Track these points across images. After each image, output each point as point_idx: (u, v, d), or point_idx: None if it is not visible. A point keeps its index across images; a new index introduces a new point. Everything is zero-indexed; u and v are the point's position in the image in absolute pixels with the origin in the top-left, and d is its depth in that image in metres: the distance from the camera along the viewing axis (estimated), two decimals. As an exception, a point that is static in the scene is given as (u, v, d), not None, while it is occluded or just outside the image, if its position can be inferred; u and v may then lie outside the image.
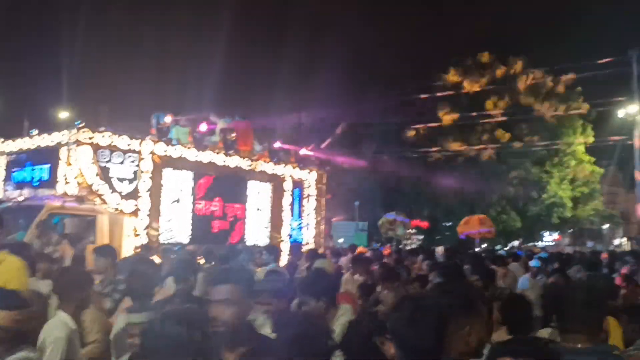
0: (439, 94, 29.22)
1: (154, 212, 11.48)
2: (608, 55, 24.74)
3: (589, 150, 31.65)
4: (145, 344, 1.97)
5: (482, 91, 29.68)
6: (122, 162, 11.03)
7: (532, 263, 10.44)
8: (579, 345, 2.25)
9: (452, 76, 29.63)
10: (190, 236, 12.09)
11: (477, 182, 28.35)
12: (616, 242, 40.94)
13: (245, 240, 13.21)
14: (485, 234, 20.76)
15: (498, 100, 29.84)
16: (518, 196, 30.07)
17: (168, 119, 11.93)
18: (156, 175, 11.51)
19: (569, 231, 39.46)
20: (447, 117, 29.13)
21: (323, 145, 18.50)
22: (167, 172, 11.78)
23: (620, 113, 24.77)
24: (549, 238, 40.74)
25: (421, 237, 30.01)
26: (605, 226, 40.13)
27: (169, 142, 11.87)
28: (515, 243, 32.39)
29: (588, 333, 2.27)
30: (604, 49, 33.02)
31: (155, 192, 11.48)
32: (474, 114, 28.50)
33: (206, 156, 12.40)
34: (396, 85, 27.37)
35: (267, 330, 3.35)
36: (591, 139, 30.95)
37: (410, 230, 27.84)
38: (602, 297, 2.42)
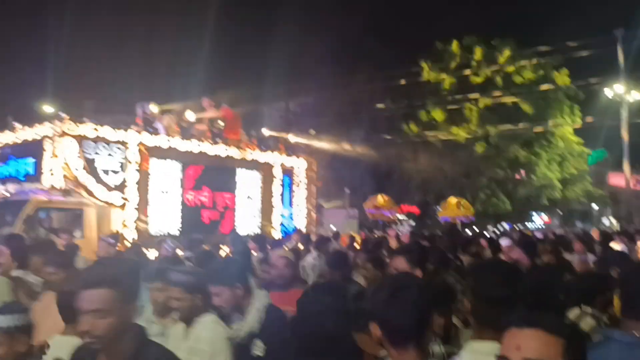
0: (425, 79, 29.19)
1: (142, 204, 11.36)
2: (594, 36, 24.77)
3: (577, 131, 31.78)
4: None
5: (470, 75, 29.64)
6: (108, 154, 10.89)
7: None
8: None
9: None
10: (180, 227, 11.99)
11: (466, 165, 28.39)
12: (605, 222, 41.36)
13: (236, 229, 13.11)
14: (464, 216, 20.59)
15: (485, 83, 29.83)
16: (507, 179, 30.19)
17: (154, 108, 11.76)
18: (143, 166, 11.37)
19: (559, 212, 39.79)
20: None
21: (313, 131, 18.38)
22: (155, 163, 11.64)
23: (607, 93, 24.85)
24: (539, 220, 41.11)
25: (412, 222, 30.12)
26: (594, 207, 40.52)
27: (155, 132, 11.71)
28: (506, 226, 32.57)
29: None
30: (590, 29, 33.06)
31: (143, 183, 11.35)
32: (461, 96, 28.51)
33: (194, 145, 12.26)
34: (384, 69, 27.24)
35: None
36: (578, 120, 31.05)
37: (402, 216, 27.93)
38: None
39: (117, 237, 6.03)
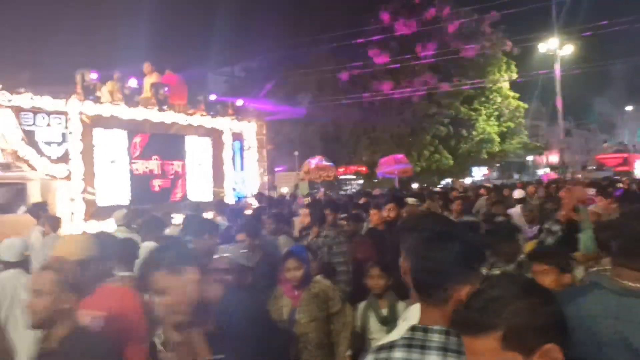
0: (370, 38, 29.17)
1: (89, 175, 10.97)
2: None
3: (514, 86, 32.86)
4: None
5: (412, 34, 29.84)
6: (48, 125, 10.37)
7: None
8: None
9: (385, 15, 29.47)
10: (130, 197, 11.68)
11: (411, 124, 28.89)
12: (540, 172, 43.39)
13: (187, 197, 12.92)
14: (402, 172, 20.18)
15: (427, 42, 30.15)
16: (449, 135, 31.00)
17: (94, 75, 11.21)
18: (87, 136, 10.93)
19: (497, 165, 41.43)
20: (379, 59, 29.09)
21: (261, 95, 18.05)
22: (99, 132, 11.20)
23: (542, 48, 25.70)
24: (479, 173, 42.68)
25: (361, 181, 30.56)
26: (530, 158, 42.37)
27: (97, 101, 11.22)
28: (449, 181, 33.58)
29: None
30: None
31: (87, 154, 10.92)
32: (405, 57, 28.72)
33: (139, 113, 11.85)
34: (328, 31, 26.97)
35: None
36: (515, 76, 32.08)
37: (351, 176, 28.24)
38: None
39: None
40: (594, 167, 30.21)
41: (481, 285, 1.41)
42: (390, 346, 1.70)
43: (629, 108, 48.50)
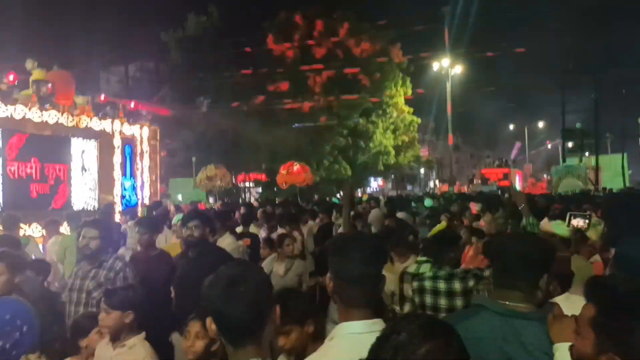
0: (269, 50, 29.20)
1: (-46, 179, 9.85)
2: (425, 13, 26.81)
3: (409, 101, 34.34)
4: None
5: (312, 45, 30.25)
6: None
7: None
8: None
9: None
10: (3, 203, 10.63)
11: (311, 134, 29.20)
12: (431, 184, 45.71)
13: (71, 204, 12.00)
14: (303, 181, 20.10)
15: (327, 55, 30.70)
16: (348, 146, 31.73)
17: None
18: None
19: (392, 177, 43.08)
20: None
21: (156, 98, 17.24)
22: (-32, 131, 10.11)
23: (434, 67, 27.17)
24: (375, 184, 44.11)
25: (260, 189, 30.34)
26: (422, 171, 44.53)
27: (-32, 96, 10.11)
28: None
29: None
30: (422, 7, 35.49)
31: (-47, 154, 9.81)
32: (305, 67, 29.05)
33: (17, 111, 10.83)
34: (230, 35, 26.59)
35: None
36: (410, 91, 33.54)
37: (249, 184, 27.91)
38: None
39: None
40: (479, 181, 32.32)
41: (385, 331, 1.39)
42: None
43: (511, 126, 52.75)
